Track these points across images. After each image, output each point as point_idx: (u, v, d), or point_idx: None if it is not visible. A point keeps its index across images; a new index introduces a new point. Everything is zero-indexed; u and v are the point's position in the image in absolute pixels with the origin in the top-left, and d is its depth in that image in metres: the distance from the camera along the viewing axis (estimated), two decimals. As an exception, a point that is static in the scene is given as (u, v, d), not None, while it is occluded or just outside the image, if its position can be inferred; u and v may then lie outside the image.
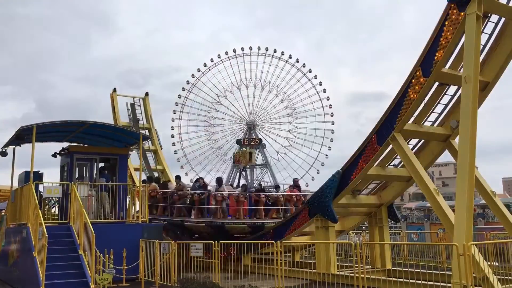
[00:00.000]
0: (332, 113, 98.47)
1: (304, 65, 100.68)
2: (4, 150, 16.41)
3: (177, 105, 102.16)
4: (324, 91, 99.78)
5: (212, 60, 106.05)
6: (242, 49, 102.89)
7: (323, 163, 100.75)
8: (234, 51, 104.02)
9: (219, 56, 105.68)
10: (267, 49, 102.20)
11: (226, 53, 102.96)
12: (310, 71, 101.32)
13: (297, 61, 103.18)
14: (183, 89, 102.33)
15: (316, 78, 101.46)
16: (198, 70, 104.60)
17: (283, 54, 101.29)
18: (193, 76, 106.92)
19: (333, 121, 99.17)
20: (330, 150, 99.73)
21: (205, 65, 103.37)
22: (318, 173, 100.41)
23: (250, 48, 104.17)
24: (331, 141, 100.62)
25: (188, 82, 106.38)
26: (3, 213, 19.52)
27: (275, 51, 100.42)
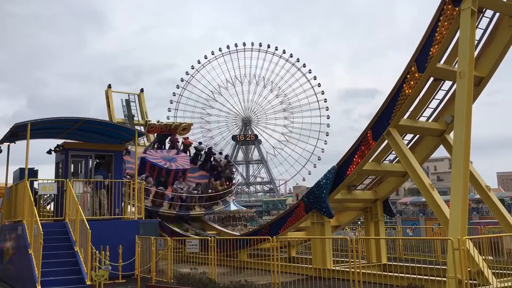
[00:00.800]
0: (327, 107, 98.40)
1: (298, 60, 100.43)
2: (-1, 146, 16.34)
3: (171, 103, 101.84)
4: (319, 85, 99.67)
5: (206, 57, 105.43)
6: (236, 45, 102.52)
7: (319, 157, 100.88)
8: (228, 47, 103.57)
9: (212, 53, 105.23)
10: (260, 45, 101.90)
11: (220, 49, 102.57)
12: (304, 65, 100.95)
13: (291, 56, 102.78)
14: (178, 87, 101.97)
15: (310, 72, 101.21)
16: (192, 67, 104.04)
17: (276, 49, 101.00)
18: (187, 73, 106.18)
19: (328, 115, 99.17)
20: (326, 144, 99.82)
21: (199, 62, 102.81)
22: (315, 167, 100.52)
23: (244, 44, 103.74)
24: (327, 135, 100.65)
25: (182, 80, 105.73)
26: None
27: (268, 46, 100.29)
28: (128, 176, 19.42)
